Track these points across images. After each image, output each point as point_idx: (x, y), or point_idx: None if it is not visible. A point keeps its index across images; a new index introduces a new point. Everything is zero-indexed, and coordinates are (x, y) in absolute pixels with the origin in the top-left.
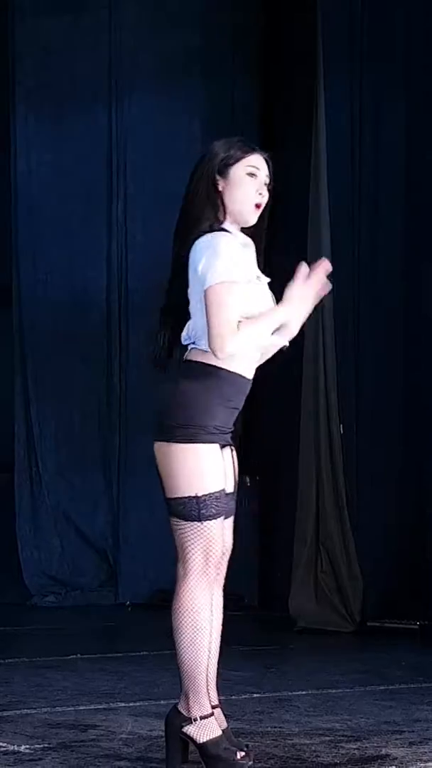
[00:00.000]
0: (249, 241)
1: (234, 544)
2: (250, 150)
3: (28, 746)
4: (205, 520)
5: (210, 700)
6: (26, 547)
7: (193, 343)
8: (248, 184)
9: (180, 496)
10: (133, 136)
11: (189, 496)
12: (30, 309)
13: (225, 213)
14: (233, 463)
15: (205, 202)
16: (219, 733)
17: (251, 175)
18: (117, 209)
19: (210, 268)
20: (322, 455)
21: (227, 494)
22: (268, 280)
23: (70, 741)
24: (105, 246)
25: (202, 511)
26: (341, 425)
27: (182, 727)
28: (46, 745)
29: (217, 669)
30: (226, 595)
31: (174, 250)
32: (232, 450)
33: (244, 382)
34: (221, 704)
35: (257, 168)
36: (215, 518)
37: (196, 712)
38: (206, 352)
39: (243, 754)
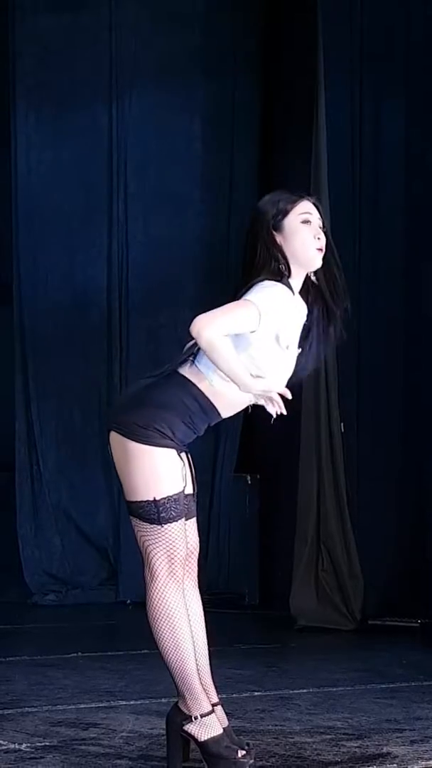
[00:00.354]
0: (304, 309)
1: (235, 543)
2: (298, 198)
3: (29, 745)
4: (165, 524)
5: (209, 698)
6: (27, 546)
7: (194, 358)
8: (304, 231)
9: (138, 499)
10: (134, 134)
11: (147, 500)
12: (30, 308)
13: (288, 265)
14: (190, 465)
15: (267, 260)
16: (220, 731)
17: (305, 222)
18: (117, 208)
19: (254, 293)
20: (322, 454)
21: (186, 495)
22: (298, 351)
23: (71, 739)
24: (105, 245)
25: (162, 515)
26: (342, 424)
27: (183, 725)
28: (46, 744)
29: (217, 667)
30: (227, 594)
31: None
32: (188, 454)
33: (214, 417)
34: (221, 702)
35: (309, 213)
36: (175, 521)
37: (195, 711)
38: (200, 373)
39: (244, 752)
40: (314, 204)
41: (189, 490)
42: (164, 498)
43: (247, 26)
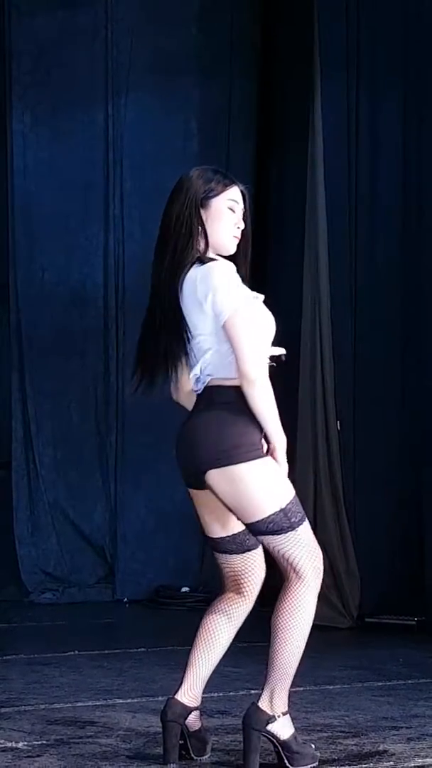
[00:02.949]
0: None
1: None
2: (231, 183)
3: (26, 743)
4: (298, 527)
5: (195, 699)
6: (23, 544)
7: (209, 375)
8: (228, 218)
9: (267, 515)
10: (130, 133)
11: (275, 512)
12: (27, 306)
13: (207, 243)
14: None
15: (190, 233)
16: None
17: (231, 209)
18: (114, 206)
19: (222, 301)
20: (319, 452)
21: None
22: (262, 297)
23: (68, 737)
24: (102, 243)
25: (292, 520)
26: (338, 422)
27: (267, 724)
28: (44, 742)
29: (216, 666)
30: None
31: (160, 280)
32: None
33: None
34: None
35: (236, 202)
36: (304, 520)
37: (279, 710)
38: (228, 378)
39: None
40: (243, 193)
41: None
42: (289, 503)
43: (244, 26)
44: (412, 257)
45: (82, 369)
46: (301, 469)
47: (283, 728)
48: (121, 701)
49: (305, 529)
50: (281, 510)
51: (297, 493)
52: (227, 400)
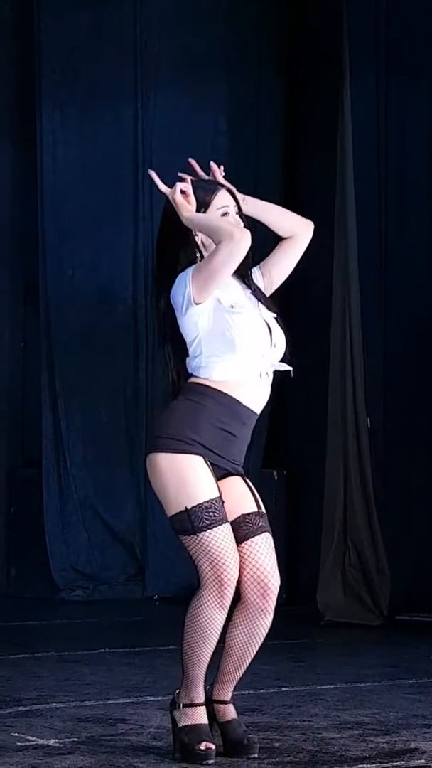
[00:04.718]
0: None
1: None
2: (216, 189)
3: (57, 740)
4: (200, 532)
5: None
6: (54, 542)
7: (192, 374)
8: None
9: (173, 513)
10: (159, 131)
11: (180, 511)
12: (56, 305)
13: (200, 250)
14: (249, 487)
15: (180, 247)
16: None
17: (224, 215)
18: (143, 204)
19: (175, 294)
20: (349, 449)
21: (249, 514)
22: (244, 307)
23: (99, 735)
24: (131, 241)
25: (195, 524)
26: (368, 419)
27: (172, 708)
28: (75, 739)
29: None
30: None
31: (157, 295)
32: (244, 478)
33: (240, 409)
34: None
35: (227, 206)
36: (211, 528)
37: (181, 699)
38: (200, 375)
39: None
40: (230, 192)
41: (251, 508)
42: (195, 506)
43: (271, 20)
44: None
45: (112, 367)
46: (331, 468)
47: (180, 717)
48: (152, 699)
49: (211, 536)
50: (185, 511)
51: (327, 490)
52: (184, 394)
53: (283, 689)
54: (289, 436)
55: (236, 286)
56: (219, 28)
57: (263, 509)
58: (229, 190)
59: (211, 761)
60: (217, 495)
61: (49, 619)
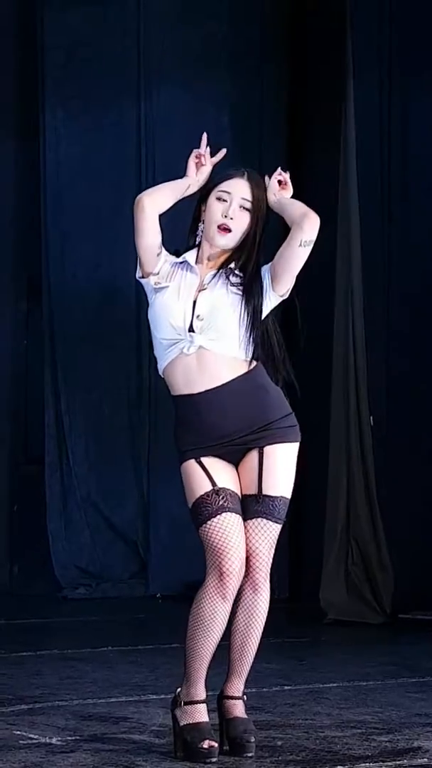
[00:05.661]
0: (193, 266)
1: None
2: (232, 175)
3: (59, 738)
4: (200, 525)
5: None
6: (57, 540)
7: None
8: (215, 208)
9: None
10: (162, 127)
11: (190, 508)
12: (59, 301)
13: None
14: (261, 463)
15: (190, 228)
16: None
17: (219, 199)
18: None
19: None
20: (352, 447)
21: (249, 496)
22: (193, 299)
23: (102, 733)
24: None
25: (198, 518)
26: (371, 417)
27: (174, 706)
28: (77, 738)
29: (252, 653)
30: None
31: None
32: (262, 449)
33: (191, 401)
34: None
35: (228, 193)
36: (208, 520)
37: (182, 697)
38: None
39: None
40: (249, 183)
41: (252, 490)
42: (194, 503)
43: (274, 19)
44: None
45: (114, 364)
46: (333, 466)
47: (181, 715)
48: (154, 697)
49: (209, 527)
50: (190, 509)
51: (330, 488)
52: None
53: (286, 688)
54: None
55: (187, 279)
56: (222, 25)
57: (265, 491)
58: (250, 183)
59: (213, 759)
60: (210, 488)
61: (51, 617)
